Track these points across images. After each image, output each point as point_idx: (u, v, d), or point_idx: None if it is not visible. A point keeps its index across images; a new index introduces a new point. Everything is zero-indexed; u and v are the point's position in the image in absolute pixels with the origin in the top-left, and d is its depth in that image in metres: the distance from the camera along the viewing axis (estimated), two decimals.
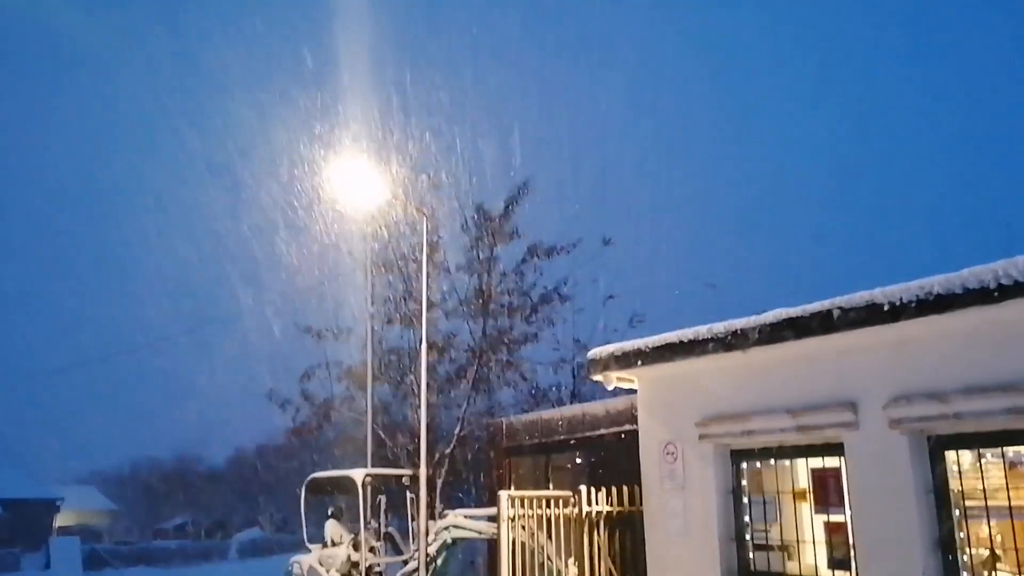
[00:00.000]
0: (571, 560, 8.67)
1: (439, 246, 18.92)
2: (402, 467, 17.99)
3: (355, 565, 13.91)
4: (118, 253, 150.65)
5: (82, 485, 63.92)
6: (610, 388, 8.65)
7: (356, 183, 12.45)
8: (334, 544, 14.24)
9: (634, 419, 11.08)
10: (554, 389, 21.01)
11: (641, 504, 8.33)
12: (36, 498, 48.83)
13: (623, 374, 8.33)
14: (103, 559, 36.66)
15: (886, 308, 5.88)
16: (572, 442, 14.51)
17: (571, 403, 19.23)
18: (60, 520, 51.91)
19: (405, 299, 19.50)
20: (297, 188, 20.51)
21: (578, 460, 14.56)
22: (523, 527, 8.59)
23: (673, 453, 7.79)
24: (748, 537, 7.34)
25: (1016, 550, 5.65)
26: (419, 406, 18.32)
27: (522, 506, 8.57)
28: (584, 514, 8.56)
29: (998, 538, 5.80)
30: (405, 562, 14.06)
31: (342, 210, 18.52)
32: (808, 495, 7.01)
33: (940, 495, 5.94)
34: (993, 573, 5.79)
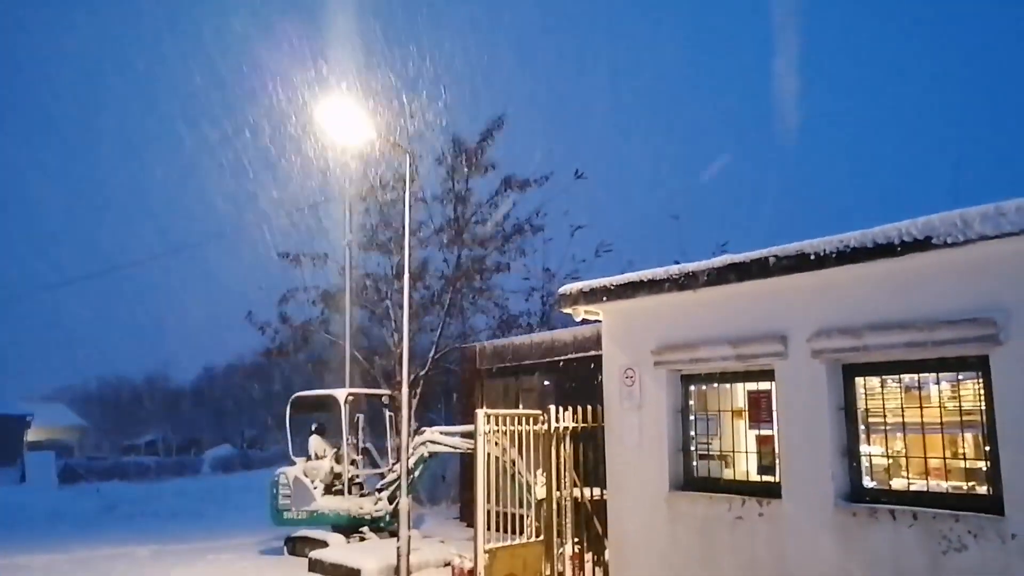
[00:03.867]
0: (539, 471, 9.79)
1: (415, 175, 19.62)
2: (379, 387, 18.99)
3: (337, 476, 14.95)
4: (92, 175, 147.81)
5: (51, 402, 64.17)
6: (578, 320, 9.71)
7: (337, 115, 12.84)
8: (318, 457, 15.21)
9: (598, 345, 12.21)
10: (525, 316, 22.09)
11: (603, 421, 9.47)
12: (6, 414, 49.36)
13: (590, 307, 9.33)
14: (77, 473, 37.20)
15: (812, 257, 6.95)
16: (541, 365, 15.64)
17: (540, 329, 20.29)
18: (31, 435, 52.52)
19: (382, 226, 20.24)
20: (277, 117, 21.06)
21: (546, 382, 15.67)
22: (496, 443, 9.64)
23: (632, 377, 8.91)
24: (693, 448, 8.50)
25: (907, 458, 6.87)
26: (396, 329, 19.39)
27: (496, 423, 9.61)
28: (552, 430, 9.65)
29: (898, 448, 7.02)
30: (382, 475, 15.19)
31: (322, 140, 19.17)
32: (744, 413, 8.18)
33: (850, 413, 7.10)
34: (892, 478, 7.02)
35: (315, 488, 14.58)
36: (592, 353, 13.36)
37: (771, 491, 7.56)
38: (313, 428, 15.64)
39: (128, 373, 75.25)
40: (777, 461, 7.61)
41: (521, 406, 15.30)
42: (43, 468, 35.21)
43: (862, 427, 7.08)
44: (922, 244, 6.21)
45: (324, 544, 13.54)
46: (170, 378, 74.97)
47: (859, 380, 7.10)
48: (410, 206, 12.54)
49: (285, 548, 14.38)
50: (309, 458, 15.22)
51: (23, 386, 66.47)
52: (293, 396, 15.92)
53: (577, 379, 14.27)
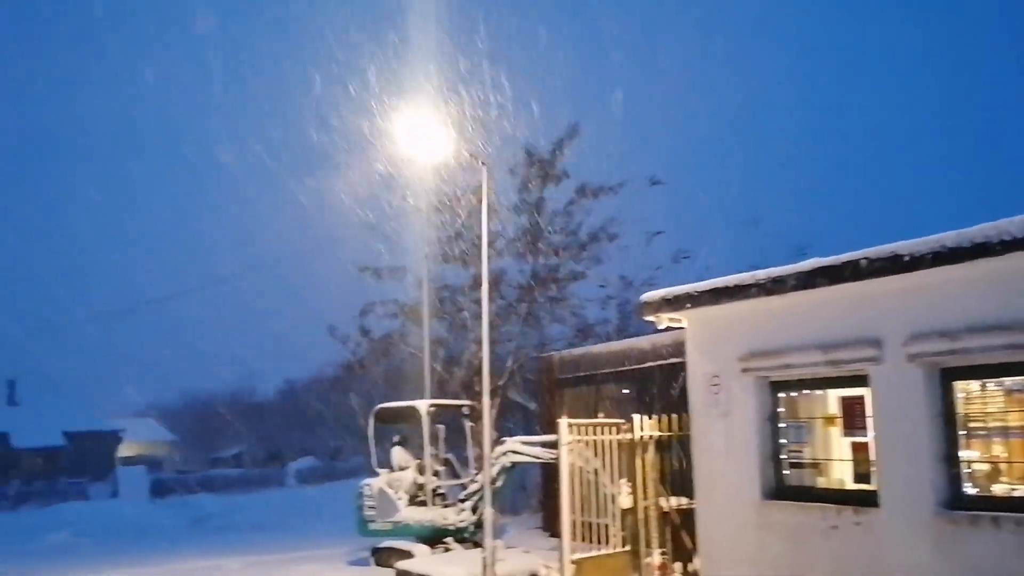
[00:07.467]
0: (623, 480, 9.73)
1: (491, 188, 19.62)
2: (457, 398, 19.05)
3: (420, 487, 15.07)
4: (174, 193, 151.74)
5: (141, 417, 66.12)
6: (661, 327, 9.63)
7: (412, 128, 12.87)
8: (401, 469, 15.36)
9: (677, 353, 12.08)
10: (602, 324, 21.91)
11: (687, 429, 9.37)
12: (99, 430, 51.07)
13: (673, 315, 9.24)
14: (168, 487, 38.23)
15: (906, 258, 6.79)
16: (620, 374, 15.52)
17: (618, 338, 20.13)
18: (123, 451, 54.38)
19: (458, 237, 20.32)
20: (352, 132, 21.29)
21: (625, 391, 15.56)
22: (579, 453, 9.61)
23: (718, 384, 8.79)
24: (784, 456, 8.36)
25: (1011, 464, 6.64)
26: (473, 340, 19.45)
27: (579, 432, 9.59)
28: (636, 439, 9.59)
29: (999, 453, 6.79)
30: (464, 486, 15.25)
31: (398, 153, 19.34)
32: (837, 420, 8.02)
33: (948, 419, 6.90)
34: (992, 484, 6.79)
35: (399, 499, 14.68)
36: (671, 361, 13.21)
37: (867, 499, 7.38)
38: (396, 440, 15.74)
39: (214, 388, 76.99)
40: (873, 469, 7.42)
41: (600, 414, 15.21)
42: (135, 482, 36.31)
43: (961, 432, 6.87)
44: (1021, 243, 6.01)
45: (409, 555, 13.58)
46: (254, 392, 76.45)
47: (958, 384, 6.90)
48: (487, 218, 12.56)
49: (372, 559, 14.51)
50: (392, 469, 15.33)
51: (115, 402, 68.60)
52: (376, 408, 16.05)
53: (656, 387, 14.12)
